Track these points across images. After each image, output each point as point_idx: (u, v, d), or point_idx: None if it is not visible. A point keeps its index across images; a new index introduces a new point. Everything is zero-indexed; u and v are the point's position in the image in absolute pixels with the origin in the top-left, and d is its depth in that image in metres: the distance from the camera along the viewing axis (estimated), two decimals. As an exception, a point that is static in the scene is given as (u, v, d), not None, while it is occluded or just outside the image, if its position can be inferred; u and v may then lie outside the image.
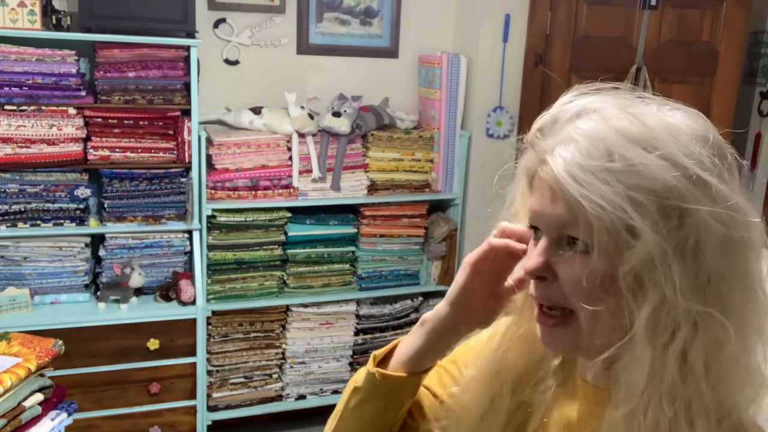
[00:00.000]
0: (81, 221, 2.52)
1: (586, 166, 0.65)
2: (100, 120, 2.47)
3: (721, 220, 0.64)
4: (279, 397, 2.95)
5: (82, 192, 2.51)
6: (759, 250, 0.68)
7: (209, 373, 2.79)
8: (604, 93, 0.72)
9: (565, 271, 0.69)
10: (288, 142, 2.74)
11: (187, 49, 2.49)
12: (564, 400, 0.80)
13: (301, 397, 2.96)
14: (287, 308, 2.89)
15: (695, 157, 0.65)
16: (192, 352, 2.59)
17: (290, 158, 2.75)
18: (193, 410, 2.64)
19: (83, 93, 2.43)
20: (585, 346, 0.71)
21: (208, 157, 2.66)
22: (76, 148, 2.47)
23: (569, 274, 0.68)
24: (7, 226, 2.44)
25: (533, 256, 0.71)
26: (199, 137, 2.58)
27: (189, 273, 2.64)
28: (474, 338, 0.89)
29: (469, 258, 0.79)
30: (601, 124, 0.67)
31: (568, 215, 0.67)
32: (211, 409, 2.81)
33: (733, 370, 0.67)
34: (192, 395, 2.63)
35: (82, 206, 2.52)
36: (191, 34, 2.52)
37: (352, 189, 2.87)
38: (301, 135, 2.75)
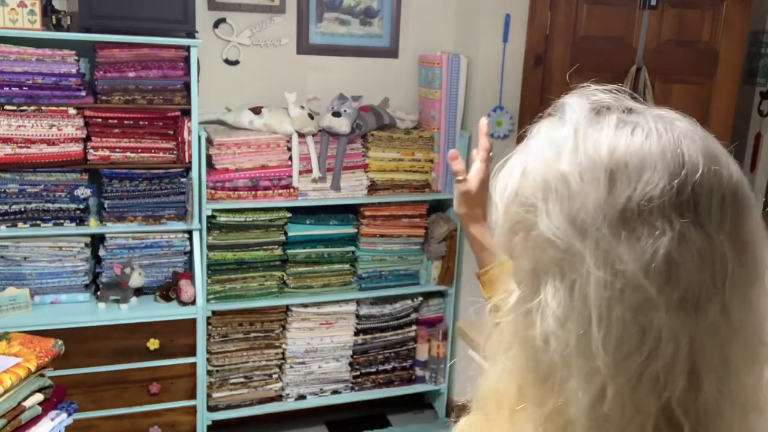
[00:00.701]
0: (81, 221, 2.52)
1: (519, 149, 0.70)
2: (100, 120, 2.47)
3: (550, 216, 0.61)
4: (279, 397, 2.94)
5: (82, 192, 2.51)
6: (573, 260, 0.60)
7: (209, 373, 2.79)
8: (591, 94, 0.66)
9: None
10: (288, 142, 2.74)
11: (187, 49, 2.49)
12: None
13: (301, 397, 2.96)
14: (287, 308, 2.89)
15: (580, 163, 0.61)
16: (192, 352, 2.59)
17: (290, 158, 2.75)
18: (193, 410, 2.64)
19: (83, 93, 2.43)
20: None
21: (208, 157, 2.66)
22: (76, 148, 2.47)
23: None
24: (7, 226, 2.44)
25: None
26: (199, 137, 2.58)
27: (189, 273, 2.64)
28: None
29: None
30: (553, 122, 0.67)
31: None
32: (211, 409, 2.81)
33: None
34: (192, 395, 2.63)
35: (82, 206, 2.52)
36: (191, 34, 2.52)
37: (352, 189, 2.87)
38: (301, 135, 2.75)
